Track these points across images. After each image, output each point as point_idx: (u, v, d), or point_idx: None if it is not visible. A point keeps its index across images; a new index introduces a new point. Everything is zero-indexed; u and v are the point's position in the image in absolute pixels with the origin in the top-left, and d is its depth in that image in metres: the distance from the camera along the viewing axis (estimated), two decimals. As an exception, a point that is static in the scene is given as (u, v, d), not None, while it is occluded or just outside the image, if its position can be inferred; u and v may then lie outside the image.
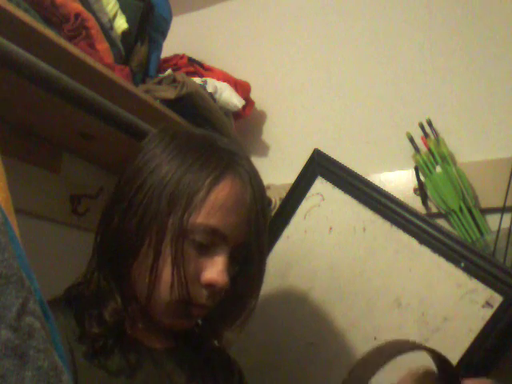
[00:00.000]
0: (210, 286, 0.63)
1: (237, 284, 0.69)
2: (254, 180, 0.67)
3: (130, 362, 0.63)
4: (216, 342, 0.76)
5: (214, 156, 0.66)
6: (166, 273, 0.62)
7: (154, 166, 0.64)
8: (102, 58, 0.99)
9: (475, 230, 1.07)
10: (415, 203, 1.14)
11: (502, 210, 1.03)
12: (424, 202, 1.15)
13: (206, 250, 0.64)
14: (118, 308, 0.63)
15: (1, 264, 0.31)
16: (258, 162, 1.44)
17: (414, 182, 1.17)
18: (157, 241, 0.62)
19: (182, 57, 1.38)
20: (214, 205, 0.62)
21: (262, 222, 0.67)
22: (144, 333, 0.68)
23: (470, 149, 1.16)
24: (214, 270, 0.63)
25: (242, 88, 1.38)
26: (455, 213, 1.09)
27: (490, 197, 1.09)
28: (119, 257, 0.65)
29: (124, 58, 1.10)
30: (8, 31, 0.74)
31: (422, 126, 1.18)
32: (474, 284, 0.87)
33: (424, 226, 0.94)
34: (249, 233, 0.65)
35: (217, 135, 0.72)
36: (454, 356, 0.85)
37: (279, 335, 1.00)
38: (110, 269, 0.65)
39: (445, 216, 1.12)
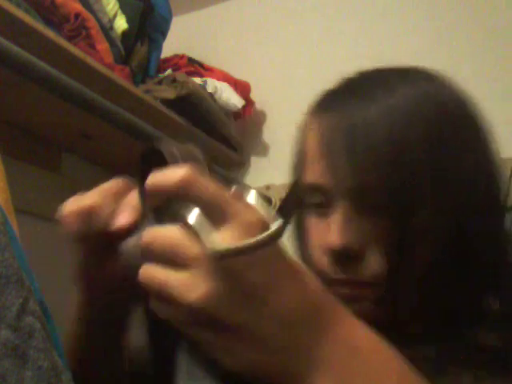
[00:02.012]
0: (328, 251, 0.53)
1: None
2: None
3: None
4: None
5: None
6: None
7: None
8: (102, 58, 0.99)
9: (475, 230, 1.07)
10: (415, 203, 1.14)
11: (502, 209, 1.03)
12: (424, 202, 1.15)
13: (323, 213, 0.55)
14: None
15: (1, 264, 0.31)
16: (258, 162, 1.44)
17: (413, 182, 1.17)
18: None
19: (182, 57, 1.38)
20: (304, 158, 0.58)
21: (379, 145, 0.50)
22: None
23: (469, 149, 1.16)
24: (329, 232, 0.53)
25: (241, 88, 1.38)
26: (455, 213, 1.09)
27: (489, 197, 1.08)
28: None
29: (124, 58, 1.10)
30: (8, 31, 0.74)
31: (422, 126, 1.18)
32: (474, 284, 0.87)
33: (424, 226, 0.94)
34: (360, 168, 0.51)
35: None
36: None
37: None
38: None
39: (445, 216, 1.12)
